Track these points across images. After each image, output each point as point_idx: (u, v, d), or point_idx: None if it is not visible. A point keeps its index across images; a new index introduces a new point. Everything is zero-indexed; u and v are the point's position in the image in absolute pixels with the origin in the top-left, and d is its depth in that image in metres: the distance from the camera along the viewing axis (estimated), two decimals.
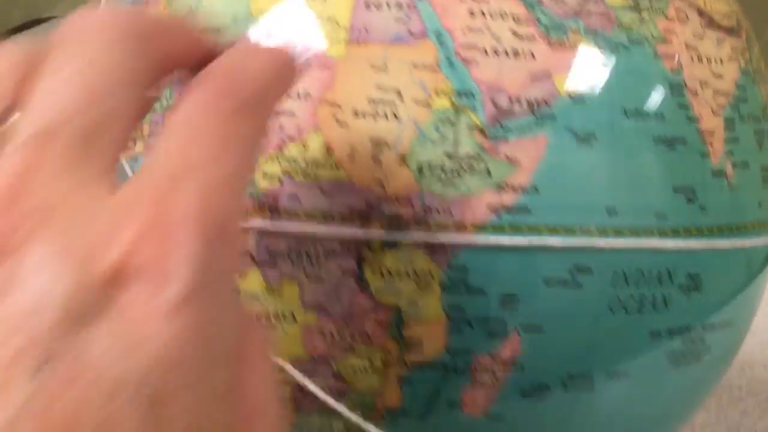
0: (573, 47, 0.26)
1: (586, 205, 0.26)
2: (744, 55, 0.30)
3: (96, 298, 0.15)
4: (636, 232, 0.26)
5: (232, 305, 0.17)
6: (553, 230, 0.25)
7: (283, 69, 0.20)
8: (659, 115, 0.26)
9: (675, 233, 0.27)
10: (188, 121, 0.17)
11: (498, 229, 0.25)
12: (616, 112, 0.26)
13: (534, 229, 0.25)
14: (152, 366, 0.15)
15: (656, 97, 0.26)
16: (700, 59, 0.28)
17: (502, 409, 0.27)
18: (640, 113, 0.26)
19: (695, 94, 0.27)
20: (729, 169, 0.28)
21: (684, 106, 0.27)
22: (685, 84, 0.27)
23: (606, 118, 0.26)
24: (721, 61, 0.28)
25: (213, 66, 0.19)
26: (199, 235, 0.16)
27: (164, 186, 0.16)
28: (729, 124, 0.28)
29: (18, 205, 0.16)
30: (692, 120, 0.27)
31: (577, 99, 0.26)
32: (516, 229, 0.25)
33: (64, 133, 0.17)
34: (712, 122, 0.27)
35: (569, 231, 0.25)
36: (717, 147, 0.27)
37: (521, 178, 0.25)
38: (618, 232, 0.26)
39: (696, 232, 0.27)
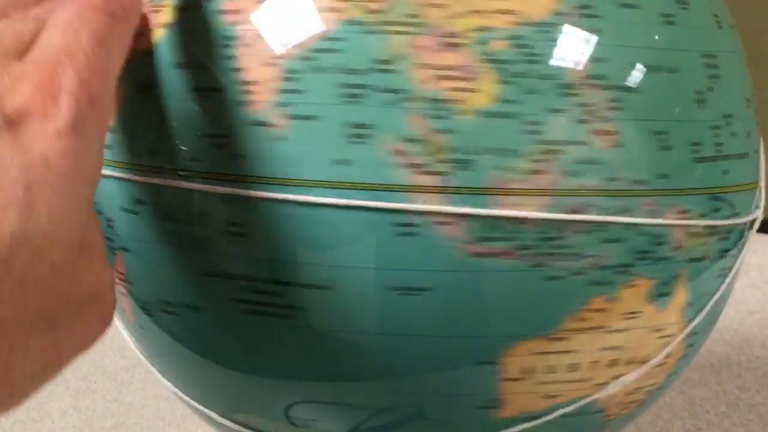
0: None
1: (137, 145, 0.30)
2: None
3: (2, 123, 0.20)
4: (170, 173, 0.29)
5: (99, 158, 0.22)
6: (117, 164, 0.30)
7: None
8: (202, 65, 0.28)
9: (204, 177, 0.28)
10: (69, 23, 0.22)
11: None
12: (168, 64, 0.29)
13: (111, 163, 0.31)
14: (35, 165, 0.19)
15: (202, 49, 0.28)
16: None
17: (140, 319, 0.32)
18: (187, 65, 0.28)
19: (246, 45, 0.27)
20: (279, 120, 0.27)
21: (229, 57, 0.28)
22: (237, 36, 0.28)
23: (161, 70, 0.29)
24: None
25: None
26: (76, 93, 0.21)
27: (51, 65, 0.21)
28: (291, 75, 0.27)
29: None
30: (234, 70, 0.27)
31: (145, 53, 0.30)
32: (105, 162, 0.31)
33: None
34: (260, 73, 0.27)
35: (127, 166, 0.30)
36: (263, 97, 0.27)
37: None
38: (157, 172, 0.29)
39: (228, 178, 0.27)
